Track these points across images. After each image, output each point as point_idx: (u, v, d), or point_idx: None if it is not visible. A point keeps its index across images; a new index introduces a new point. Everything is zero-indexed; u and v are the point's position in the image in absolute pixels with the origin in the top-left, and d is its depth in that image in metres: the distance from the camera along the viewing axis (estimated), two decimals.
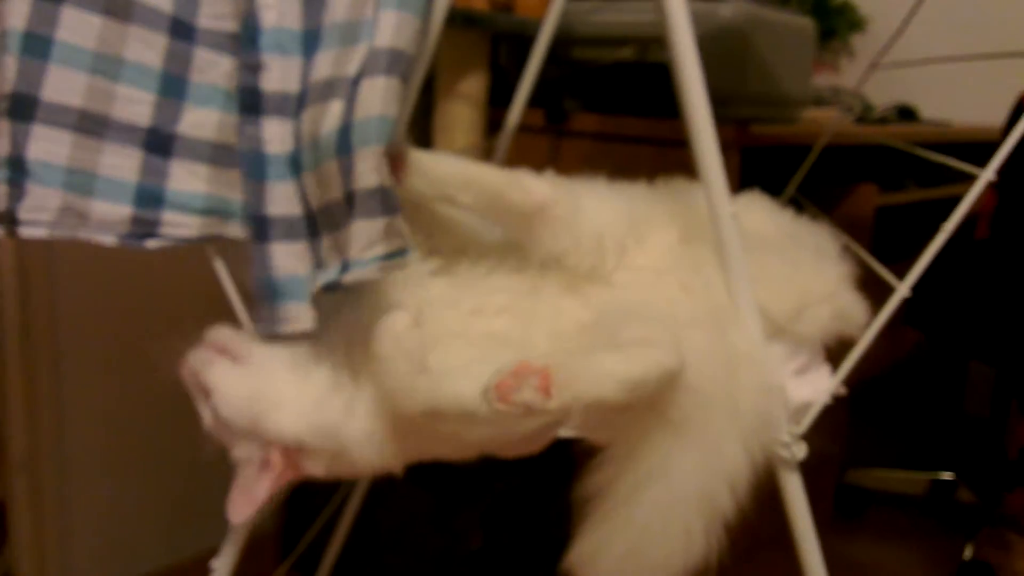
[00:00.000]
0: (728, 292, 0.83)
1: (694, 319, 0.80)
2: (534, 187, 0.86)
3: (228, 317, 1.66)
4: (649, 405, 0.77)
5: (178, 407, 1.61)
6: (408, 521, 1.59)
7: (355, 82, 0.78)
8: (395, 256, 0.77)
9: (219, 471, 1.72)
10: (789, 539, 0.90)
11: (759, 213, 1.00)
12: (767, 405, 0.80)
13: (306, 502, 1.74)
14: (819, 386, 0.87)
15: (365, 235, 0.76)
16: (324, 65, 0.82)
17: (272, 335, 0.86)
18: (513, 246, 0.93)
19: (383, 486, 1.56)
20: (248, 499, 0.85)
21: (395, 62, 0.78)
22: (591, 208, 0.89)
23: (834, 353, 0.92)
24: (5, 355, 1.43)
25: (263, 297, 0.86)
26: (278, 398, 0.81)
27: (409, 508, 1.59)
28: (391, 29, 0.79)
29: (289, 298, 0.85)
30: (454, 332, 0.85)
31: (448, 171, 0.86)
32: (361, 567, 1.66)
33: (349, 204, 0.77)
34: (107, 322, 1.51)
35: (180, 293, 1.59)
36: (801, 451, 0.84)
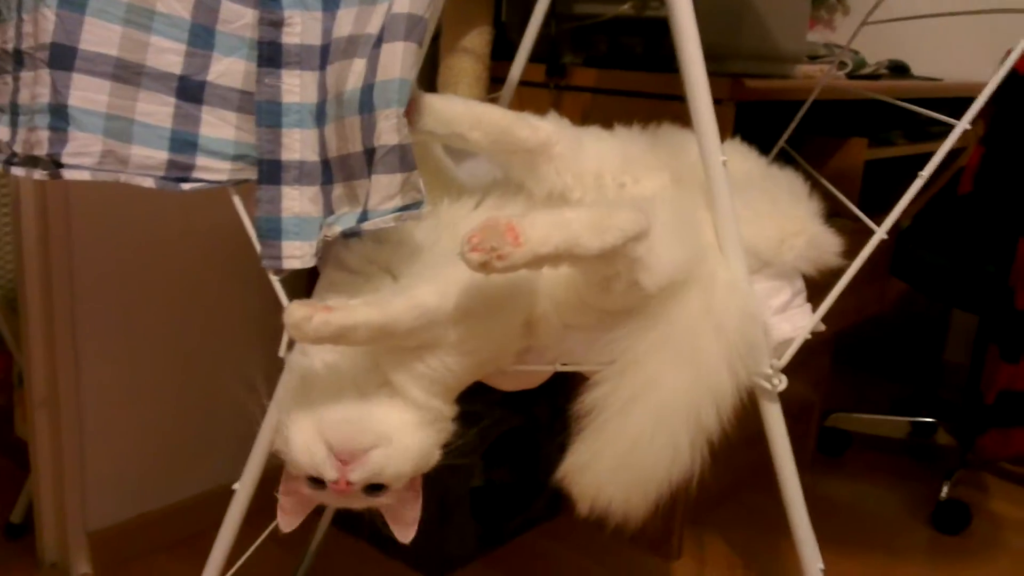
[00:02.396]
0: (716, 232, 0.90)
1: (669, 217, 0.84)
2: (539, 124, 0.92)
3: (238, 255, 1.71)
4: (637, 309, 0.82)
5: (193, 348, 1.68)
6: None
7: (376, 44, 0.84)
8: (411, 208, 0.84)
9: (234, 408, 1.79)
10: (771, 480, 0.97)
11: (737, 157, 1.06)
12: (750, 329, 0.86)
13: None
14: (800, 323, 0.94)
15: (384, 188, 0.83)
16: (346, 22, 0.88)
17: (276, 270, 0.93)
18: (493, 185, 0.99)
19: None
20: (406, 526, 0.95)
21: (413, 27, 0.83)
22: (591, 147, 0.96)
23: (814, 293, 0.99)
24: (25, 299, 1.49)
25: (268, 234, 0.92)
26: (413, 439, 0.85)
27: None
28: None
29: (295, 237, 0.92)
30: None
31: (458, 110, 0.91)
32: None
33: (368, 158, 0.84)
34: (121, 264, 1.57)
35: (192, 234, 1.64)
36: (782, 383, 0.91)
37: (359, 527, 1.77)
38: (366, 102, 0.82)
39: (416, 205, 0.84)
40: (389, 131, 0.81)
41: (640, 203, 0.84)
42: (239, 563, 1.16)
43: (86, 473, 1.59)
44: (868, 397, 2.57)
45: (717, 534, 1.88)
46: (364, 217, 0.84)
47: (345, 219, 0.87)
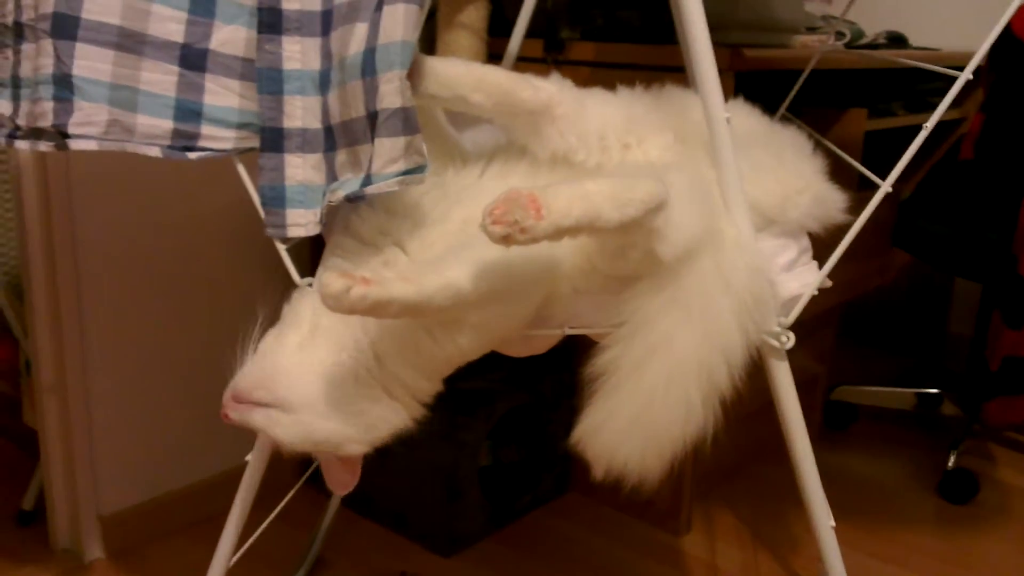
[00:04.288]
0: (721, 189, 0.90)
1: (686, 188, 0.85)
2: (542, 85, 0.92)
3: (244, 236, 1.72)
4: (647, 272, 0.83)
5: (199, 330, 1.69)
6: (418, 438, 1.67)
7: (378, 7, 0.84)
8: (414, 172, 0.84)
9: None
10: (779, 453, 0.97)
11: (740, 116, 1.06)
12: (758, 285, 0.87)
13: None
14: (807, 280, 0.94)
15: (387, 152, 0.83)
16: None
17: (281, 238, 0.93)
18: (497, 152, 0.99)
19: None
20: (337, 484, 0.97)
21: None
22: (594, 108, 0.95)
23: (820, 253, 0.99)
24: (31, 285, 1.49)
25: (272, 203, 0.93)
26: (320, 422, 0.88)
27: (418, 425, 1.67)
28: None
29: (299, 205, 0.93)
30: (445, 246, 0.90)
31: (460, 72, 0.91)
32: (373, 482, 1.75)
33: (371, 122, 0.84)
34: (126, 248, 1.57)
35: (197, 216, 1.65)
36: (790, 341, 0.92)
37: (370, 506, 1.78)
38: (368, 66, 0.82)
39: (419, 169, 0.84)
40: (392, 94, 0.81)
41: (657, 172, 0.84)
42: (250, 541, 1.17)
43: (96, 458, 1.59)
44: (873, 370, 2.57)
45: (726, 508, 1.88)
46: (368, 181, 0.84)
47: (349, 184, 0.87)
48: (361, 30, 0.84)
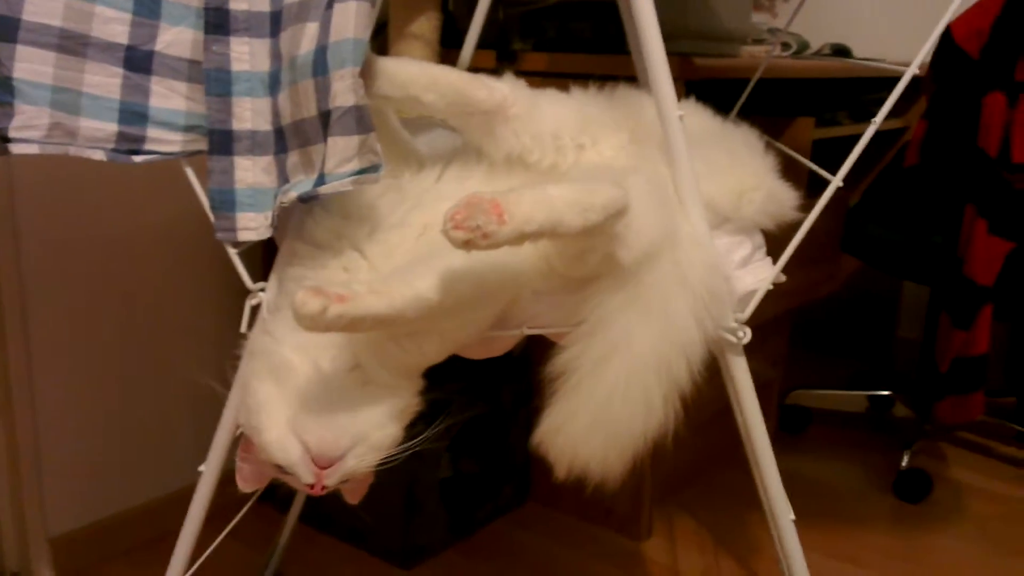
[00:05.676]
0: (675, 187, 0.91)
1: (645, 192, 0.85)
2: (495, 85, 0.92)
3: (188, 250, 1.69)
4: (605, 272, 0.83)
5: (148, 345, 1.65)
6: None
7: (328, 5, 0.83)
8: (369, 171, 0.83)
9: (190, 412, 1.77)
10: (738, 458, 0.97)
11: (694, 115, 1.07)
12: (714, 281, 0.87)
13: None
14: (761, 275, 0.95)
15: (341, 151, 0.82)
16: None
17: (231, 242, 0.92)
18: (454, 155, 0.98)
19: None
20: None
21: None
22: (548, 108, 0.95)
23: (773, 249, 1.00)
24: None
25: (221, 207, 0.91)
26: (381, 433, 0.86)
27: None
28: None
29: (249, 208, 0.91)
30: (406, 251, 0.89)
31: (413, 72, 0.90)
32: (332, 497, 1.72)
33: (324, 121, 0.83)
34: (72, 262, 1.54)
35: (143, 227, 1.62)
36: (747, 336, 0.92)
37: (327, 522, 1.75)
38: (320, 64, 0.81)
39: (374, 168, 0.83)
40: (344, 92, 0.80)
41: (617, 176, 0.85)
42: (202, 559, 1.14)
43: (44, 479, 1.55)
44: (825, 375, 2.61)
45: (686, 513, 1.89)
46: (321, 181, 0.83)
47: (301, 185, 0.86)
48: (312, 29, 0.83)
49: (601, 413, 0.83)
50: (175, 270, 1.68)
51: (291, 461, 0.82)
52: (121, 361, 1.63)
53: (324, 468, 0.82)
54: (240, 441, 0.90)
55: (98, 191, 1.54)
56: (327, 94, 0.81)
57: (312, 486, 0.83)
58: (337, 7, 0.82)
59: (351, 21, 0.81)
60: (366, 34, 0.82)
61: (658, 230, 0.85)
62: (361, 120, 0.81)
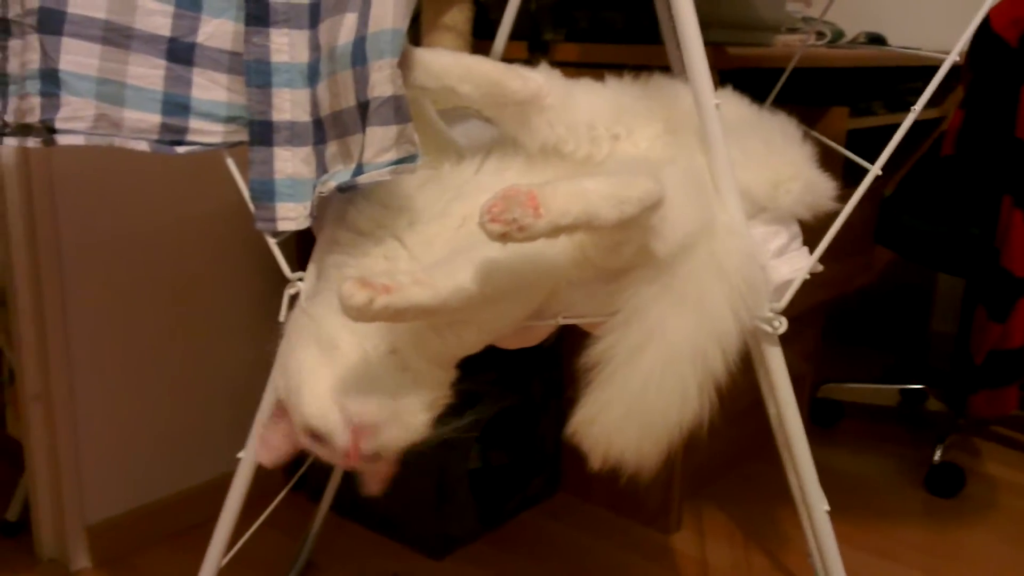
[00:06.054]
0: (711, 176, 0.90)
1: (681, 184, 0.85)
2: (530, 75, 0.92)
3: (230, 241, 1.71)
4: (640, 262, 0.83)
5: (185, 335, 1.67)
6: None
7: None
8: (407, 161, 0.84)
9: (227, 400, 1.79)
10: (768, 451, 0.97)
11: (730, 105, 1.07)
12: (751, 270, 0.87)
13: None
14: (798, 264, 0.95)
15: (379, 141, 0.83)
16: None
17: (271, 232, 0.93)
18: (492, 146, 0.99)
19: None
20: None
21: None
22: (583, 97, 0.96)
23: (809, 239, 1.00)
24: (15, 292, 1.47)
25: (261, 197, 0.92)
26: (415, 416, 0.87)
27: None
28: None
29: (288, 199, 0.92)
30: (445, 242, 0.90)
31: (448, 63, 0.91)
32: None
33: (362, 112, 0.83)
34: (111, 253, 1.56)
35: (183, 220, 1.64)
36: (783, 325, 0.92)
37: (359, 511, 1.76)
38: (358, 55, 0.82)
39: (412, 158, 0.84)
40: (383, 82, 0.81)
41: (653, 168, 0.85)
42: (239, 545, 1.15)
43: (82, 466, 1.58)
44: (858, 368, 2.59)
45: (716, 506, 1.89)
46: (359, 171, 0.84)
47: (340, 175, 0.87)
48: (350, 20, 0.84)
49: (636, 403, 0.83)
50: (211, 261, 1.70)
51: (329, 427, 0.83)
52: (158, 350, 1.65)
53: (359, 436, 0.83)
54: (273, 408, 0.91)
55: (138, 181, 1.56)
56: (365, 84, 0.82)
57: (348, 454, 0.83)
58: None
59: (390, 12, 0.81)
60: (403, 24, 0.82)
61: (694, 222, 0.85)
62: (399, 110, 0.82)
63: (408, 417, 0.86)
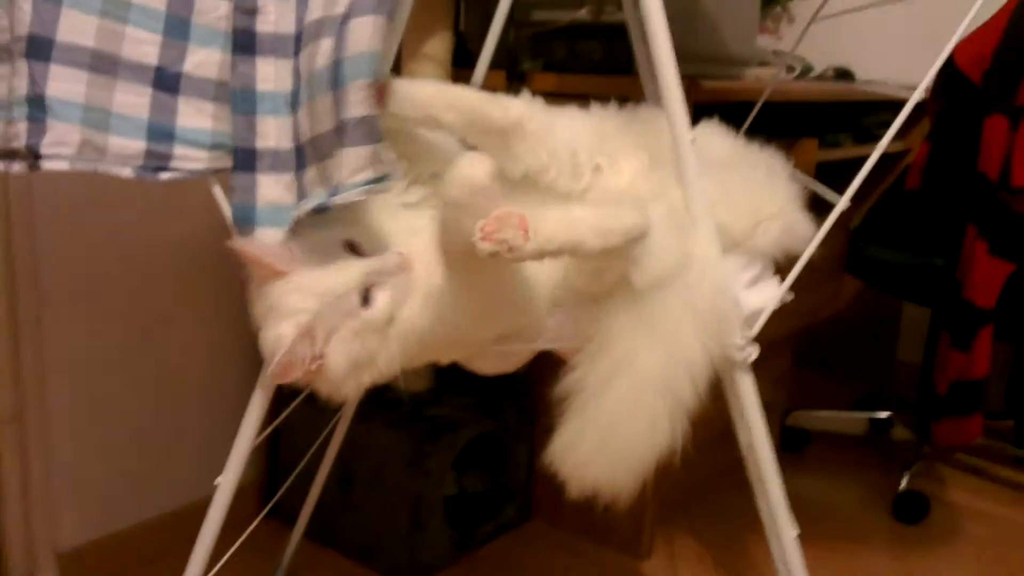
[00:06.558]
0: (687, 208, 0.93)
1: (665, 220, 0.88)
2: (511, 103, 0.94)
3: (206, 266, 1.71)
4: (617, 290, 0.85)
5: (161, 359, 1.67)
6: (384, 465, 1.67)
7: (344, 20, 0.86)
8: (380, 181, 0.85)
9: (200, 426, 1.78)
10: (739, 477, 0.99)
11: (717, 138, 1.09)
12: (722, 304, 0.89)
13: (286, 453, 1.81)
14: (769, 294, 0.97)
15: (353, 162, 0.84)
16: (316, 7, 0.90)
17: None
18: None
19: (361, 432, 1.64)
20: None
21: (382, 1, 0.85)
22: (565, 125, 0.98)
23: (781, 267, 1.02)
24: None
25: (243, 223, 0.93)
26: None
27: (385, 452, 1.67)
28: None
29: (269, 224, 0.93)
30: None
31: (431, 93, 0.93)
32: (338, 512, 1.73)
33: (339, 134, 0.85)
34: (87, 277, 1.55)
35: (159, 245, 1.64)
36: (754, 353, 0.94)
37: (333, 538, 1.76)
38: (336, 77, 0.84)
39: (385, 178, 0.85)
40: (358, 103, 0.82)
41: (641, 204, 0.88)
42: (213, 572, 1.14)
43: (54, 491, 1.56)
44: (828, 395, 2.63)
45: (687, 532, 1.90)
46: (335, 192, 0.85)
47: (317, 197, 0.88)
48: (327, 45, 0.85)
49: (608, 433, 0.85)
50: (189, 285, 1.70)
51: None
52: (133, 376, 1.64)
53: None
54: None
55: (116, 205, 1.56)
56: (342, 106, 0.83)
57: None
58: (354, 22, 0.84)
59: (367, 34, 0.83)
60: (380, 46, 0.84)
61: (673, 258, 0.87)
62: (371, 130, 0.83)
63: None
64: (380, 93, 0.86)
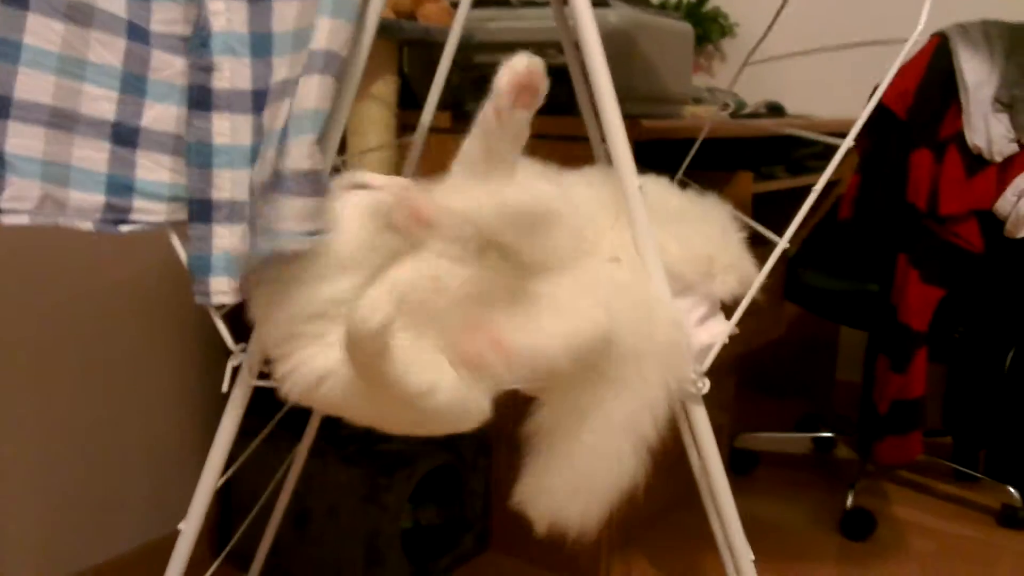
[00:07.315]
0: (638, 253, 0.97)
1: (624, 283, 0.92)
2: (542, 190, 0.95)
3: (152, 316, 1.70)
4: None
5: (108, 403, 1.65)
6: (339, 501, 1.67)
7: (297, 81, 0.88)
8: (320, 234, 0.87)
9: (150, 470, 1.76)
10: (693, 501, 1.02)
11: (665, 193, 1.14)
12: (677, 341, 0.93)
13: (237, 494, 1.80)
14: (717, 330, 1.01)
15: (297, 211, 0.86)
16: (281, 68, 0.93)
17: (209, 305, 0.96)
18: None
19: (316, 468, 1.64)
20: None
21: (329, 62, 0.88)
22: (579, 198, 1.02)
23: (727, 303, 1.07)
24: None
25: (198, 272, 0.95)
26: None
27: (340, 488, 1.67)
28: (326, 33, 0.89)
29: (223, 273, 0.95)
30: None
31: (475, 209, 0.89)
32: (294, 551, 1.73)
33: (281, 183, 0.87)
34: (33, 320, 1.54)
35: (100, 291, 1.63)
36: (706, 386, 0.98)
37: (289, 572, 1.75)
38: (283, 132, 0.86)
39: (323, 232, 0.86)
40: (302, 157, 0.85)
41: (609, 295, 0.92)
42: None
43: (1, 537, 1.53)
44: (773, 416, 2.69)
45: (644, 556, 1.93)
46: (275, 237, 0.86)
47: (264, 242, 0.89)
48: (287, 105, 0.88)
49: (577, 473, 0.89)
50: (137, 330, 1.69)
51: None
52: (80, 419, 1.62)
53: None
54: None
55: (64, 248, 1.55)
56: (286, 158, 0.86)
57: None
58: (302, 80, 0.87)
59: (313, 92, 0.86)
60: (325, 105, 0.87)
61: (635, 337, 0.91)
62: (316, 184, 0.86)
63: None
64: (419, 215, 0.87)
